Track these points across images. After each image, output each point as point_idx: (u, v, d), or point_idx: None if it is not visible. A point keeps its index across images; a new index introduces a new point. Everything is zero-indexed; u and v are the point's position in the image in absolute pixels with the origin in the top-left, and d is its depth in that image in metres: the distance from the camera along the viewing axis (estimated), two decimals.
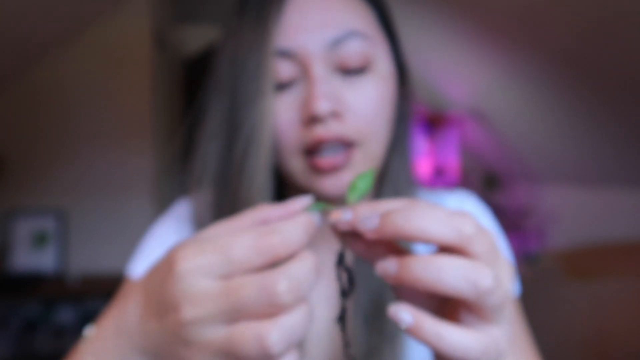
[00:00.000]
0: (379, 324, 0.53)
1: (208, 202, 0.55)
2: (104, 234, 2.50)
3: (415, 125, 0.62)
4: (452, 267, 0.29)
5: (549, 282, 2.37)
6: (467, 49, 2.50)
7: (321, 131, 0.49)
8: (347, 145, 0.50)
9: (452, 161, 3.28)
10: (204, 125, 0.54)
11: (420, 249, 0.58)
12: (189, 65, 3.29)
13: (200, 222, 0.57)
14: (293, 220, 0.32)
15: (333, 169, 0.50)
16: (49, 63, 2.48)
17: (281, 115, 0.50)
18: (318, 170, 0.50)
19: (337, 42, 0.49)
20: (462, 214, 0.30)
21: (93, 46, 2.51)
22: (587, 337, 2.11)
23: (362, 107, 0.50)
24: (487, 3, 1.95)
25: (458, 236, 0.29)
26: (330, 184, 0.50)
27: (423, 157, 3.25)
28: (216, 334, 0.30)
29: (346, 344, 0.37)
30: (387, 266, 0.31)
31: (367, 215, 0.32)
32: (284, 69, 0.50)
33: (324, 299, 0.57)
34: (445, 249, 0.31)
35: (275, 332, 0.29)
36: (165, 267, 0.32)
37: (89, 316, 2.33)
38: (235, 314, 0.29)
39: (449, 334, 0.30)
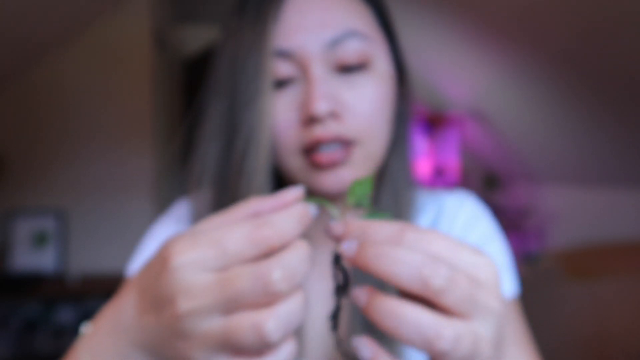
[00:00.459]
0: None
1: (208, 202, 0.55)
2: (104, 234, 2.50)
3: (415, 125, 0.62)
4: (411, 322, 0.29)
5: (549, 282, 2.37)
6: (467, 49, 2.50)
7: (320, 131, 0.49)
8: (345, 145, 0.50)
9: (452, 161, 3.28)
10: (203, 126, 0.54)
11: None
12: (189, 65, 3.29)
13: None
14: (286, 211, 0.32)
15: (332, 165, 0.50)
16: (49, 63, 2.48)
17: (280, 115, 0.50)
18: (317, 167, 0.50)
19: (335, 42, 0.49)
20: (437, 262, 0.29)
21: (93, 46, 2.51)
22: (587, 337, 2.11)
23: (361, 107, 0.50)
24: (487, 3, 1.95)
25: (424, 289, 0.29)
26: (329, 181, 0.50)
27: (423, 157, 3.25)
28: (213, 325, 0.30)
29: (338, 343, 0.37)
30: (358, 296, 0.32)
31: (351, 239, 0.32)
32: (283, 69, 0.50)
33: (324, 297, 0.57)
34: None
35: (272, 321, 0.29)
36: (160, 262, 0.32)
37: (89, 316, 2.32)
38: (232, 305, 0.30)
39: None
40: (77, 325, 2.32)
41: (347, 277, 0.36)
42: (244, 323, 0.29)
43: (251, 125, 0.49)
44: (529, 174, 3.19)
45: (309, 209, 0.33)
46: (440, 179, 3.25)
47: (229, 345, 0.30)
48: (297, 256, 0.30)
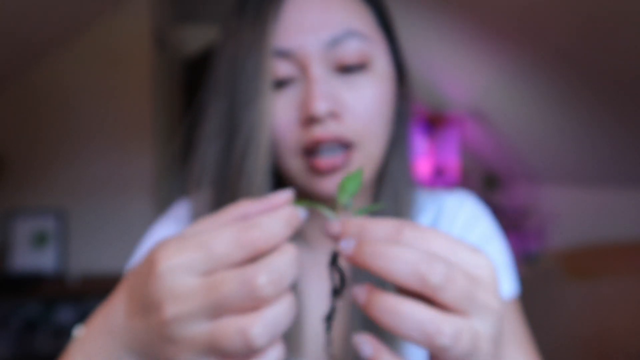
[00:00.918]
0: (377, 325, 0.53)
1: (207, 203, 0.55)
2: (104, 234, 2.50)
3: (415, 125, 0.62)
4: (410, 318, 0.29)
5: (549, 282, 2.37)
6: (467, 48, 2.50)
7: (319, 131, 0.49)
8: (345, 145, 0.50)
9: (452, 161, 3.29)
10: (203, 126, 0.54)
11: None
12: (189, 65, 3.29)
13: None
14: (274, 214, 0.32)
15: (332, 170, 0.50)
16: (49, 63, 2.49)
17: (280, 115, 0.50)
18: (317, 171, 0.50)
19: (335, 42, 0.49)
20: (434, 259, 0.29)
21: (93, 46, 2.51)
22: (587, 337, 2.11)
23: (360, 107, 0.50)
24: (487, 3, 1.95)
25: (422, 285, 0.29)
26: (329, 185, 0.50)
27: (423, 157, 3.25)
28: (200, 330, 0.30)
29: (328, 344, 0.37)
30: (358, 294, 0.32)
31: (349, 237, 0.32)
32: (283, 69, 0.50)
33: (323, 298, 0.57)
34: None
35: (258, 325, 0.29)
36: (147, 266, 0.32)
37: (89, 316, 2.33)
38: (218, 310, 0.30)
39: None
40: (77, 325, 2.32)
41: (344, 278, 0.36)
42: (230, 328, 0.29)
43: (251, 125, 0.49)
44: (529, 174, 3.19)
45: (298, 212, 0.33)
46: (440, 179, 3.25)
47: (215, 350, 0.30)
48: (284, 260, 0.30)
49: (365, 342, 0.32)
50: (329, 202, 0.52)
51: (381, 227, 0.32)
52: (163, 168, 2.65)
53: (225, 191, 0.52)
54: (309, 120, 0.49)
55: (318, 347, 0.56)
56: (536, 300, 2.20)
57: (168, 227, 0.62)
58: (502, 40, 2.19)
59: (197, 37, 3.21)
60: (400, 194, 0.58)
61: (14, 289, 2.28)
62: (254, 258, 0.31)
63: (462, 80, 2.97)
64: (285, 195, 0.35)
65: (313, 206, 0.37)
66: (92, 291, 2.29)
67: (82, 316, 2.35)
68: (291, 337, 0.54)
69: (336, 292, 0.37)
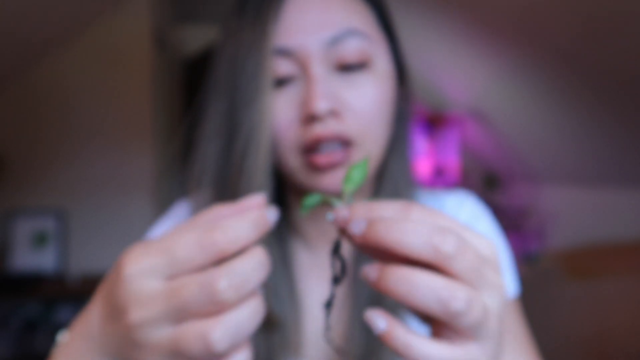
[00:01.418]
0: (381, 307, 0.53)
1: (207, 203, 0.55)
2: (104, 234, 2.50)
3: (415, 125, 0.62)
4: (425, 285, 0.29)
5: (549, 282, 2.37)
6: (467, 48, 2.50)
7: (320, 130, 0.49)
8: (345, 144, 0.50)
9: (452, 161, 3.29)
10: (203, 125, 0.54)
11: None
12: (189, 65, 3.29)
13: None
14: (240, 216, 0.32)
15: (331, 166, 0.50)
16: (49, 63, 2.49)
17: (280, 114, 0.50)
18: (316, 168, 0.50)
19: (335, 41, 0.49)
20: (447, 230, 0.30)
21: (93, 46, 2.51)
22: (587, 337, 2.11)
23: (360, 106, 0.50)
24: (487, 3, 1.95)
25: (435, 254, 0.29)
26: (329, 182, 0.50)
27: (423, 157, 3.25)
28: (163, 335, 0.30)
29: (327, 329, 0.38)
30: (369, 272, 0.31)
31: (358, 219, 0.32)
32: (283, 68, 0.50)
33: (322, 299, 0.57)
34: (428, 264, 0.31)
35: (218, 330, 0.29)
36: (115, 272, 0.32)
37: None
38: (180, 314, 0.30)
39: (418, 346, 0.30)
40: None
41: (345, 267, 0.37)
42: (191, 332, 0.29)
43: (251, 124, 0.49)
44: (529, 174, 3.19)
45: (267, 214, 0.33)
46: (440, 179, 3.25)
47: (178, 355, 0.30)
48: (249, 263, 0.30)
49: (379, 317, 0.31)
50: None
51: (389, 207, 0.33)
52: (163, 168, 2.65)
53: (225, 191, 0.52)
54: (310, 118, 0.49)
55: (318, 347, 0.56)
56: (536, 300, 2.20)
57: (168, 227, 0.63)
58: (502, 40, 2.19)
59: (197, 37, 3.21)
60: (400, 193, 0.58)
61: (14, 289, 2.28)
62: (221, 261, 0.30)
63: (462, 80, 2.97)
64: (257, 198, 0.34)
65: (324, 199, 0.37)
66: (92, 291, 2.26)
67: None
68: (291, 338, 0.54)
69: (336, 280, 0.37)
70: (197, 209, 0.58)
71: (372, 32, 0.53)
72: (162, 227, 0.63)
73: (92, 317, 0.35)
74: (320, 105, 0.47)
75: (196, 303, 0.29)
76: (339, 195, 0.51)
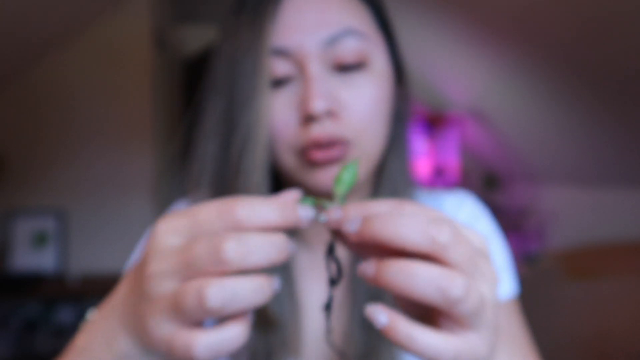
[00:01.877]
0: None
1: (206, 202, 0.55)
2: (104, 234, 2.50)
3: (415, 125, 0.62)
4: (423, 275, 0.30)
5: (549, 282, 2.37)
6: (467, 48, 2.50)
7: (317, 132, 0.49)
8: (343, 144, 0.50)
9: (452, 161, 3.28)
10: (202, 125, 0.54)
11: None
12: (188, 65, 3.29)
13: None
14: (268, 199, 0.32)
15: (327, 162, 0.50)
16: (49, 63, 2.48)
17: (277, 114, 0.50)
18: (313, 163, 0.50)
19: (333, 40, 0.49)
20: (441, 221, 0.30)
21: (93, 46, 2.51)
22: (587, 337, 2.11)
23: (358, 106, 0.50)
24: (487, 3, 1.95)
25: (432, 245, 0.30)
26: (324, 178, 0.50)
27: (423, 157, 3.25)
28: (169, 288, 0.31)
29: (328, 332, 0.38)
30: (366, 268, 0.32)
31: (352, 218, 0.32)
32: (281, 68, 0.50)
33: (322, 299, 0.57)
34: (424, 256, 0.31)
35: (214, 288, 0.29)
36: (149, 234, 0.34)
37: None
38: (188, 271, 0.30)
39: (421, 337, 0.30)
40: (77, 325, 2.32)
41: (340, 268, 0.37)
42: (190, 287, 0.30)
43: (249, 123, 0.49)
44: (529, 174, 3.19)
45: (298, 207, 0.33)
46: (440, 179, 3.25)
47: (178, 310, 0.30)
48: (263, 240, 0.30)
49: (380, 312, 0.31)
50: (326, 197, 0.52)
51: (383, 205, 0.33)
52: (163, 168, 2.65)
53: (223, 190, 0.52)
54: (307, 118, 0.49)
55: (318, 347, 0.56)
56: (536, 300, 2.20)
57: None
58: (502, 40, 2.19)
59: (197, 37, 3.21)
60: (399, 193, 0.58)
61: (14, 289, 2.28)
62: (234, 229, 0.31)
63: (462, 80, 2.97)
64: (294, 193, 0.36)
65: (317, 202, 0.37)
66: (92, 291, 2.29)
67: (82, 316, 2.35)
68: (290, 338, 0.54)
69: (333, 282, 0.37)
70: None
71: (370, 31, 0.52)
72: None
73: (119, 291, 0.37)
74: (318, 105, 0.47)
75: (202, 259, 0.30)
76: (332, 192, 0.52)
